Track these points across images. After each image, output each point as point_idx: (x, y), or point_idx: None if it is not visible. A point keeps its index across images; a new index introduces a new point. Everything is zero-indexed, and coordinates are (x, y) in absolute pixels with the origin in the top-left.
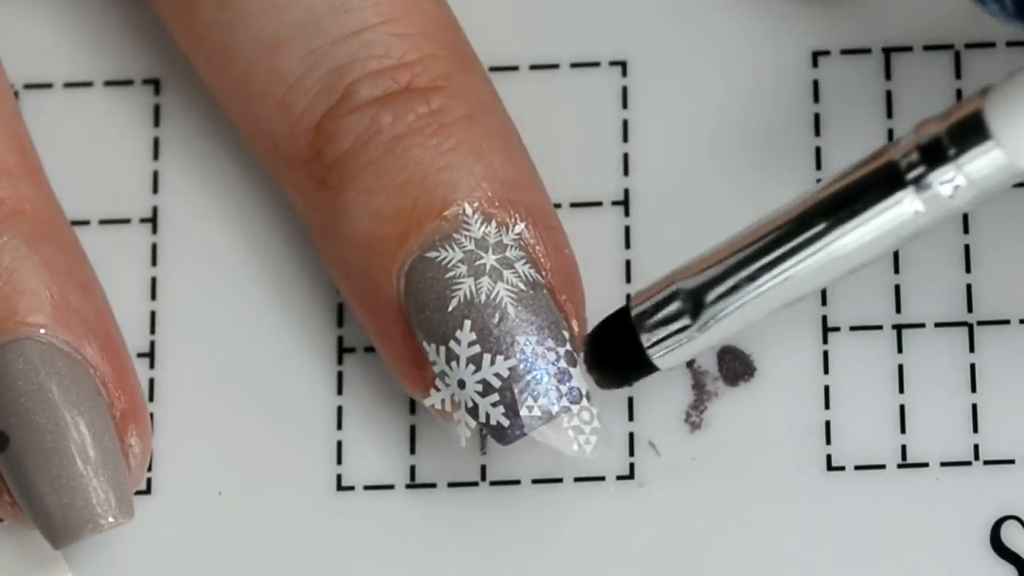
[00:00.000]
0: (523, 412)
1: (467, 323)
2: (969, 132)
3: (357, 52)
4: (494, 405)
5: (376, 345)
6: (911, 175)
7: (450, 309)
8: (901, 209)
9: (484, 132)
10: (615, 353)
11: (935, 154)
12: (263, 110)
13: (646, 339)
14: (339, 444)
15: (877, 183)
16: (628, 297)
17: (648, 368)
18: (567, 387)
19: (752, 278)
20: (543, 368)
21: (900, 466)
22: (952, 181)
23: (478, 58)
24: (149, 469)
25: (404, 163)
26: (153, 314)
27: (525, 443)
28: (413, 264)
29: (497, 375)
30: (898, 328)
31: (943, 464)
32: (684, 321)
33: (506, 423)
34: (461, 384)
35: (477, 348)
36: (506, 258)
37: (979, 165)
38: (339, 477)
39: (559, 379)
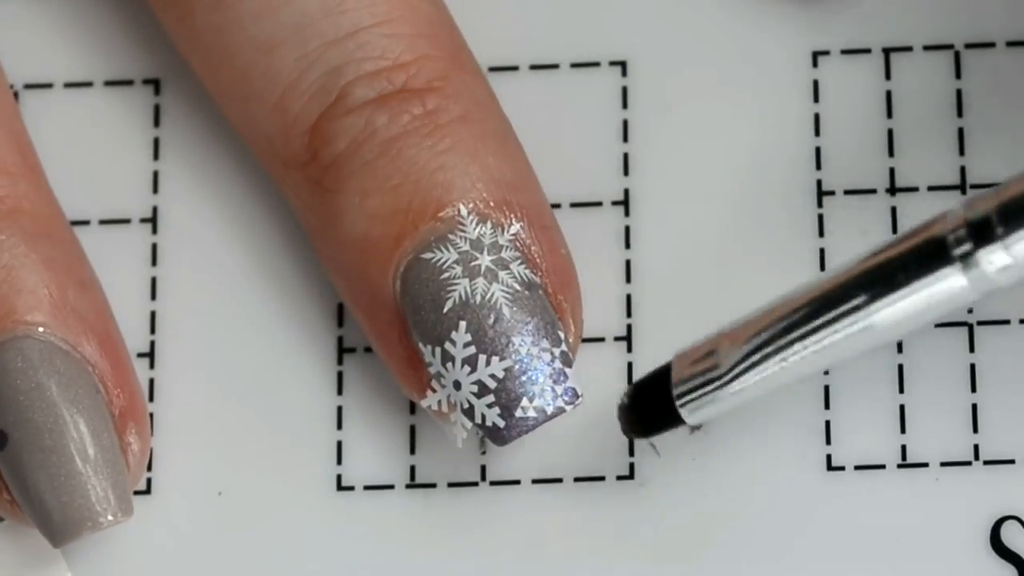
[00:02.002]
0: (518, 413)
1: (462, 324)
2: (1020, 212)
3: (352, 54)
4: (490, 406)
5: (373, 346)
6: (958, 251)
7: (445, 310)
8: (946, 285)
9: (480, 133)
10: (650, 412)
11: (984, 232)
12: (259, 112)
13: (679, 398)
14: (339, 444)
15: (923, 258)
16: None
17: (676, 421)
18: (562, 388)
19: (789, 346)
20: (539, 369)
21: (900, 466)
22: (999, 261)
23: (474, 58)
24: (149, 469)
25: (399, 164)
26: (153, 314)
27: (525, 441)
28: (408, 265)
29: (493, 376)
30: None
31: (943, 464)
32: (717, 383)
33: (501, 424)
34: (457, 385)
35: (472, 349)
36: (501, 259)
37: None
38: (339, 477)
39: (554, 380)
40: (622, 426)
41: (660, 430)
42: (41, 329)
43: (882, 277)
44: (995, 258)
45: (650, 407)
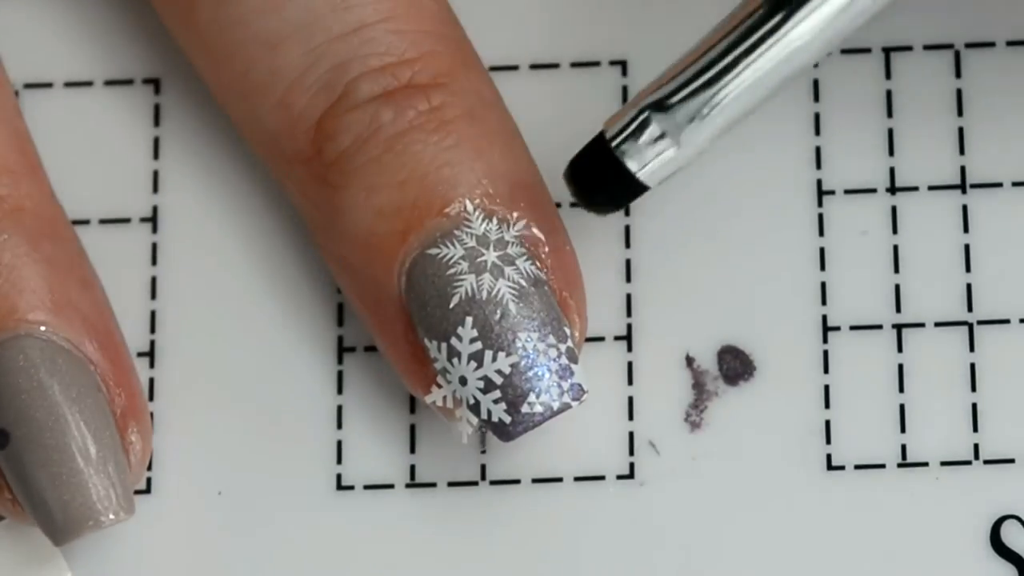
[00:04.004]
0: (524, 409)
1: (468, 320)
2: None
3: (357, 49)
4: (496, 402)
5: (377, 342)
6: None
7: (451, 306)
8: None
9: (485, 129)
10: (600, 178)
11: None
12: (263, 108)
13: (627, 160)
14: (339, 444)
15: None
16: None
17: (636, 186)
18: (568, 383)
19: (714, 80)
20: (544, 365)
21: (900, 466)
22: None
23: (478, 55)
24: (149, 468)
25: (405, 160)
26: (153, 314)
27: (525, 441)
28: (414, 261)
29: (499, 372)
30: (898, 328)
31: (943, 464)
32: (658, 134)
33: (508, 420)
34: (463, 381)
35: (479, 345)
36: (507, 255)
37: None
38: (339, 477)
39: (560, 376)
40: (584, 205)
41: (616, 193)
42: (43, 328)
43: None
44: None
45: (597, 172)
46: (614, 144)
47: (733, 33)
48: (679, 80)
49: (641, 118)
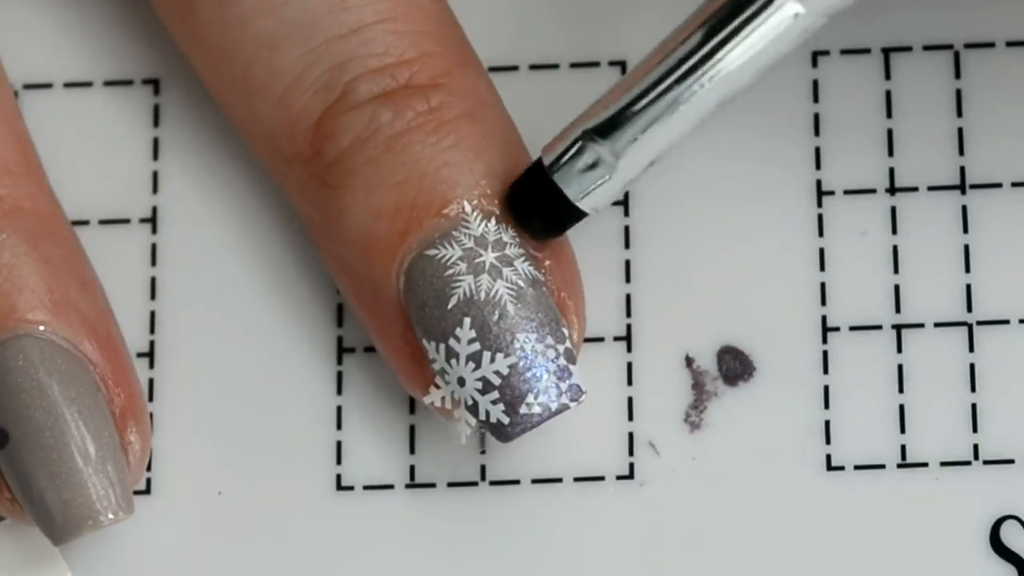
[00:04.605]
0: (523, 410)
1: (467, 320)
2: None
3: (356, 50)
4: (494, 403)
5: (376, 343)
6: None
7: (450, 307)
8: (783, 13)
9: (483, 130)
10: (538, 205)
11: None
12: (262, 109)
13: (565, 187)
14: (339, 444)
15: None
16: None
17: (575, 213)
18: (567, 384)
19: (648, 106)
20: (543, 365)
21: (900, 466)
22: None
23: (477, 56)
24: (149, 469)
25: (403, 161)
26: (153, 314)
27: (525, 441)
28: (412, 262)
29: (497, 373)
30: (898, 328)
31: (943, 464)
32: (595, 160)
33: (506, 421)
34: (461, 382)
35: (477, 346)
36: (505, 256)
37: None
38: (339, 477)
39: (559, 376)
40: (524, 230)
41: (555, 219)
42: (42, 328)
43: (721, 21)
44: None
45: (536, 199)
46: (552, 171)
47: (667, 60)
48: (614, 107)
49: (577, 145)
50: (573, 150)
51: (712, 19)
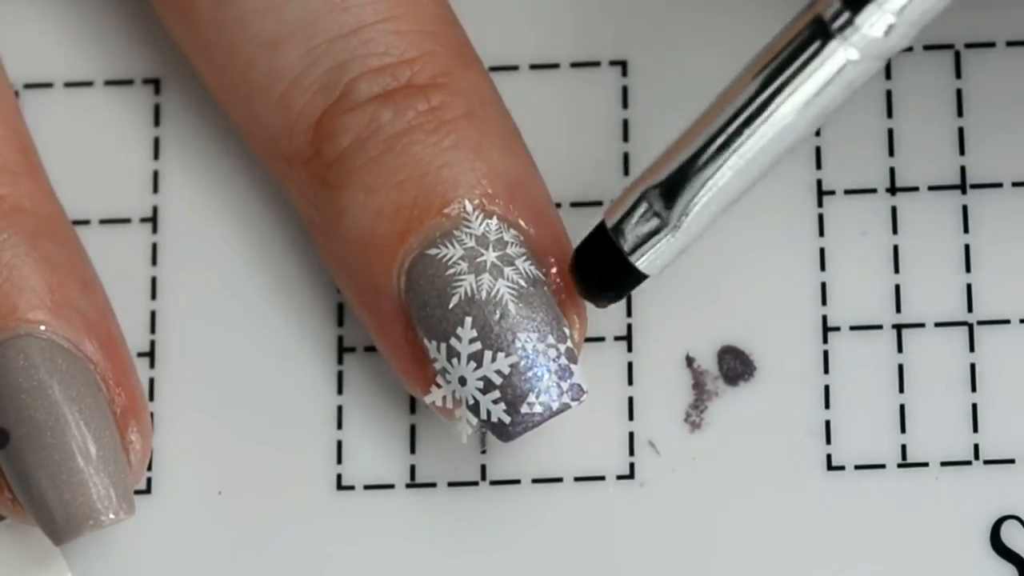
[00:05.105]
0: (524, 409)
1: (468, 320)
2: None
3: (356, 50)
4: (495, 402)
5: (376, 342)
6: (836, 24)
7: (451, 306)
8: (834, 61)
9: (484, 129)
10: (602, 269)
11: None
12: (262, 109)
13: (628, 247)
14: (339, 444)
15: (805, 41)
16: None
17: (636, 276)
18: (568, 384)
19: (708, 163)
20: (544, 365)
21: (900, 466)
22: (880, 20)
23: (478, 55)
24: (149, 468)
25: (404, 160)
26: (153, 314)
27: (525, 441)
28: (414, 261)
29: (498, 372)
30: (898, 328)
31: (943, 464)
32: (658, 222)
33: (507, 420)
34: (462, 381)
35: (478, 345)
36: (507, 255)
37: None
38: (339, 477)
39: (560, 376)
40: (585, 296)
41: (617, 282)
42: (43, 327)
43: (772, 72)
44: (874, 19)
45: (599, 262)
46: (615, 233)
47: (724, 114)
48: (674, 165)
49: (641, 208)
50: (637, 212)
51: (764, 72)
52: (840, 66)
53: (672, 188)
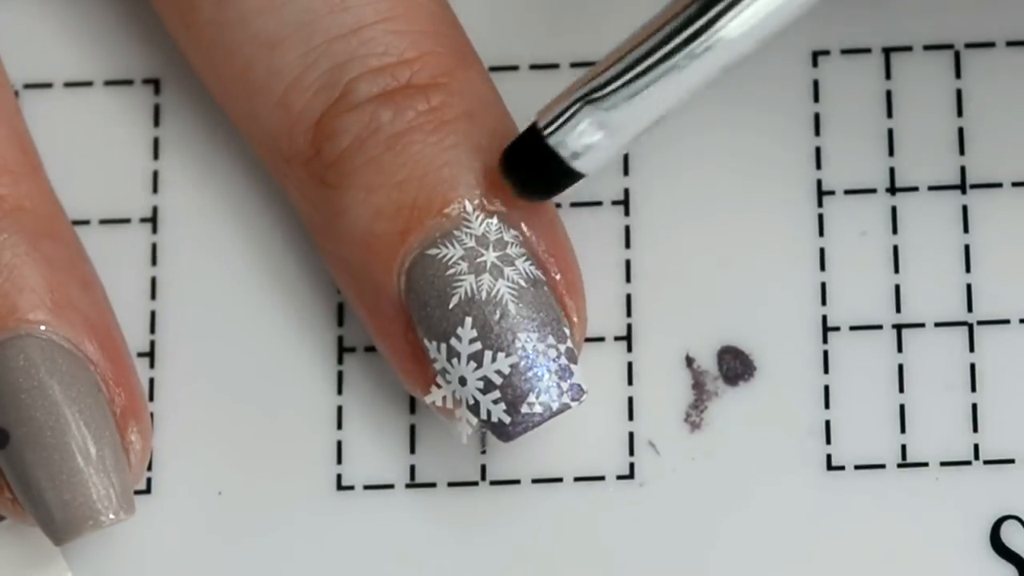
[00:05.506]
0: (524, 409)
1: (468, 320)
2: None
3: (356, 50)
4: (495, 402)
5: (376, 342)
6: None
7: (451, 306)
8: None
9: (484, 129)
10: (534, 168)
11: None
12: (262, 109)
13: (561, 149)
14: (339, 444)
15: None
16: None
17: (570, 175)
18: (568, 384)
19: (646, 71)
20: (544, 365)
21: (900, 466)
22: None
23: (478, 55)
24: (149, 468)
25: (404, 160)
26: (153, 314)
27: (525, 441)
28: (414, 261)
29: (498, 372)
30: (898, 328)
31: (943, 464)
32: (601, 135)
33: (507, 420)
34: (462, 381)
35: (478, 345)
36: (507, 255)
37: None
38: (339, 477)
39: (560, 376)
40: (517, 191)
41: (551, 182)
42: (43, 327)
43: None
44: None
45: (532, 163)
46: (547, 134)
47: (665, 27)
48: (610, 72)
49: (573, 108)
50: (568, 113)
51: None
52: None
53: (606, 93)
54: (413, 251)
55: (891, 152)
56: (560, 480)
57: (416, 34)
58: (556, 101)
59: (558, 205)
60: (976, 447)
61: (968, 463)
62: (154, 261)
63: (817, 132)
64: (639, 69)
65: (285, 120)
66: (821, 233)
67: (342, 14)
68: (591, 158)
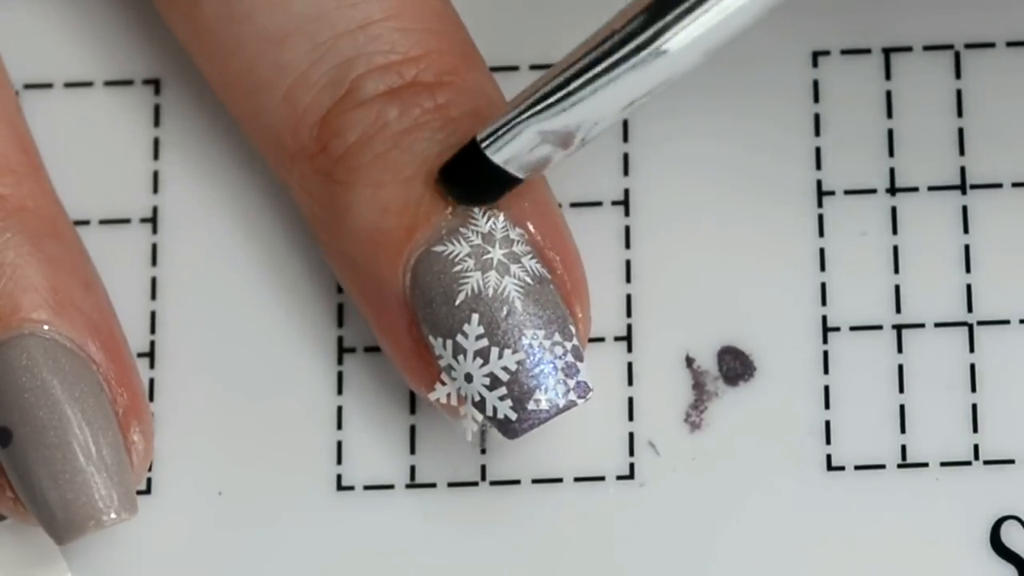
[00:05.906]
0: (530, 406)
1: (475, 317)
2: None
3: (363, 46)
4: (501, 399)
5: (380, 339)
6: None
7: (457, 303)
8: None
9: None
10: (479, 181)
11: None
12: (267, 104)
13: (519, 172)
14: (339, 444)
15: None
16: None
17: (515, 182)
18: (574, 381)
19: (585, 86)
20: (550, 362)
21: (900, 466)
22: None
23: (480, 55)
24: (149, 469)
25: (411, 157)
26: (153, 314)
27: (525, 441)
28: (420, 258)
29: (505, 369)
30: (898, 328)
31: (943, 464)
32: (549, 149)
33: (513, 417)
34: (468, 378)
35: (485, 342)
36: (513, 252)
37: None
38: (339, 477)
39: (566, 373)
40: (456, 198)
41: (491, 188)
42: (46, 327)
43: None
44: None
45: (474, 175)
46: (485, 147)
47: (607, 42)
48: (552, 84)
49: (530, 141)
50: (527, 145)
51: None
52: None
53: (546, 107)
54: (419, 248)
55: (891, 152)
56: (560, 480)
57: (422, 32)
58: (496, 118)
59: (559, 205)
60: (976, 447)
61: (968, 463)
62: (154, 261)
63: (817, 132)
64: (579, 82)
65: (290, 116)
66: (821, 233)
67: (349, 10)
68: (528, 165)
